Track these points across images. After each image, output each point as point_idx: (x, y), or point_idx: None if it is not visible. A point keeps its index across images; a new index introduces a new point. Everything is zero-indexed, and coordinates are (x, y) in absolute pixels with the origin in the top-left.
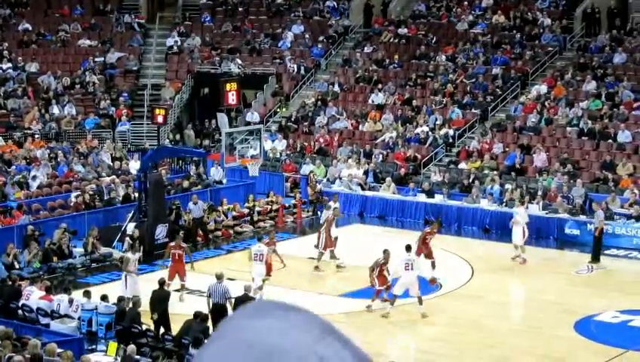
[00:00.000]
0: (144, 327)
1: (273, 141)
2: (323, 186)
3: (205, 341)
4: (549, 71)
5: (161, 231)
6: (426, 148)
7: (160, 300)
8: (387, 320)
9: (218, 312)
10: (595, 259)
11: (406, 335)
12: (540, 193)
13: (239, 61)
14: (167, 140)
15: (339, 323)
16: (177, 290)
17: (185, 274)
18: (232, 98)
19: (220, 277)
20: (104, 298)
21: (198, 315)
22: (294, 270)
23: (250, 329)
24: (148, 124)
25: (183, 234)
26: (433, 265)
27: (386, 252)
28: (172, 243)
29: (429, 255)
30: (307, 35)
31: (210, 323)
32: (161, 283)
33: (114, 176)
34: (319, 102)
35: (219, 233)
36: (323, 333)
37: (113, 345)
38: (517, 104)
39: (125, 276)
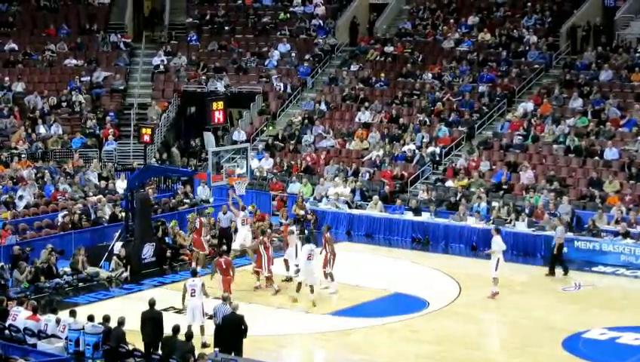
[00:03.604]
0: (131, 347)
1: (260, 160)
2: (310, 205)
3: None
4: (536, 88)
5: (148, 250)
6: (412, 166)
7: (152, 321)
8: (373, 339)
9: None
10: (552, 272)
11: (393, 354)
12: (526, 210)
13: (226, 80)
14: (154, 159)
15: (325, 342)
16: None
17: None
18: (218, 117)
19: (225, 299)
20: (90, 318)
21: (177, 330)
22: (284, 289)
23: None
24: (134, 143)
25: (171, 253)
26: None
27: None
28: None
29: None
30: (293, 54)
31: (203, 342)
32: (152, 303)
33: (100, 196)
34: (306, 121)
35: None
36: None
37: None
38: (503, 122)
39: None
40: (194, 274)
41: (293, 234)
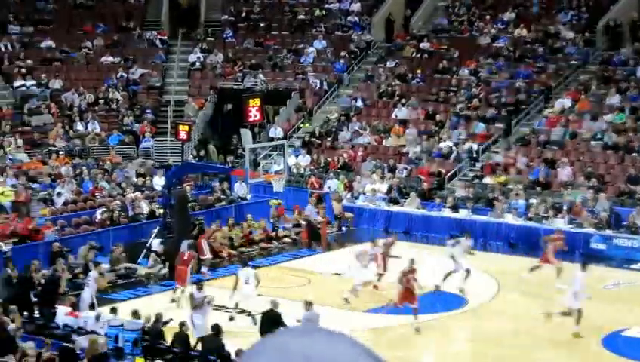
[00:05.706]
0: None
1: (297, 156)
2: (347, 201)
3: (233, 356)
4: (573, 84)
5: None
6: (450, 162)
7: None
8: (410, 336)
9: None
10: None
11: (430, 352)
12: (565, 207)
13: (262, 77)
14: (191, 156)
15: (364, 340)
16: None
17: None
18: (255, 114)
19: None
20: (135, 313)
21: (214, 327)
22: (321, 285)
23: (301, 344)
24: (171, 140)
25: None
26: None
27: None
28: None
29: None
30: (329, 51)
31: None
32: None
33: (138, 193)
34: (342, 118)
35: (243, 248)
36: (365, 355)
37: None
38: (541, 118)
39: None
40: (244, 264)
41: None
